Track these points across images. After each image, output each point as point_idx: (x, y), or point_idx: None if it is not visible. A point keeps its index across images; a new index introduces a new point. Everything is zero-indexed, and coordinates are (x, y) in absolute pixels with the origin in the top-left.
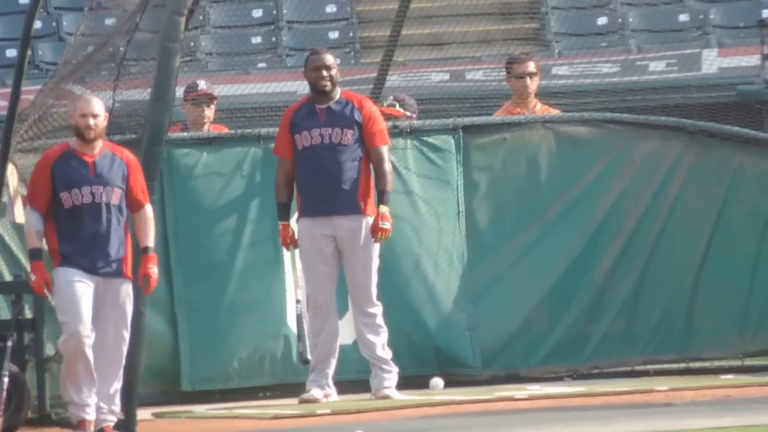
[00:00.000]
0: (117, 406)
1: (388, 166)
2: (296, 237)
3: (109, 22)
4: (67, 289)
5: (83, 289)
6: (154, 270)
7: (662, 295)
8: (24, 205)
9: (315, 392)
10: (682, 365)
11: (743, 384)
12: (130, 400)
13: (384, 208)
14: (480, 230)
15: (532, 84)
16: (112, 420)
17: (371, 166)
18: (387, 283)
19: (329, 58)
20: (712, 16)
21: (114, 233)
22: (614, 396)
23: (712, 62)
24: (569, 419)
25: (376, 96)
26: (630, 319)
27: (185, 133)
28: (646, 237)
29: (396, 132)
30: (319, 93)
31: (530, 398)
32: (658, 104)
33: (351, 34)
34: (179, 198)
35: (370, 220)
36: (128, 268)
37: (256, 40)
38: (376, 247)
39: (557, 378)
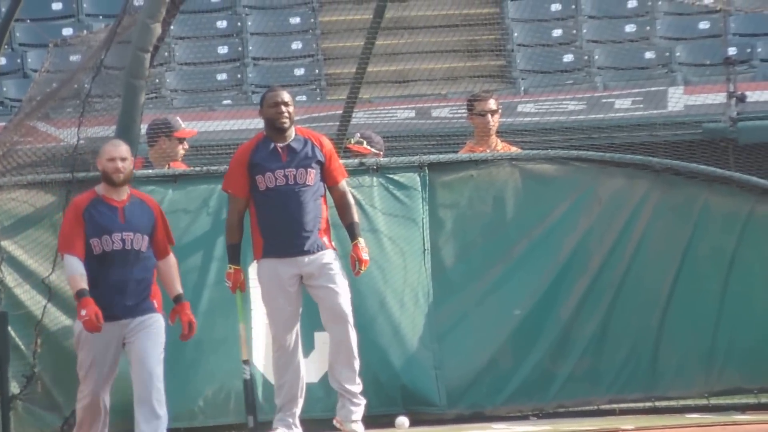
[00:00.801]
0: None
1: (351, 198)
2: (256, 277)
3: (74, 58)
4: (90, 348)
5: (104, 349)
6: (192, 317)
7: (628, 334)
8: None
9: (281, 431)
10: (648, 404)
11: (709, 423)
12: None
13: (361, 240)
14: (446, 268)
15: (494, 122)
16: None
17: (327, 202)
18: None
19: (286, 95)
20: (678, 54)
21: (141, 279)
22: None
23: (678, 100)
24: None
25: (342, 133)
26: (596, 358)
27: (150, 170)
28: (612, 275)
29: (362, 169)
30: (277, 130)
31: None
32: (623, 142)
33: (316, 71)
34: None
35: (332, 252)
36: (159, 305)
37: (222, 76)
38: (345, 277)
39: (523, 417)
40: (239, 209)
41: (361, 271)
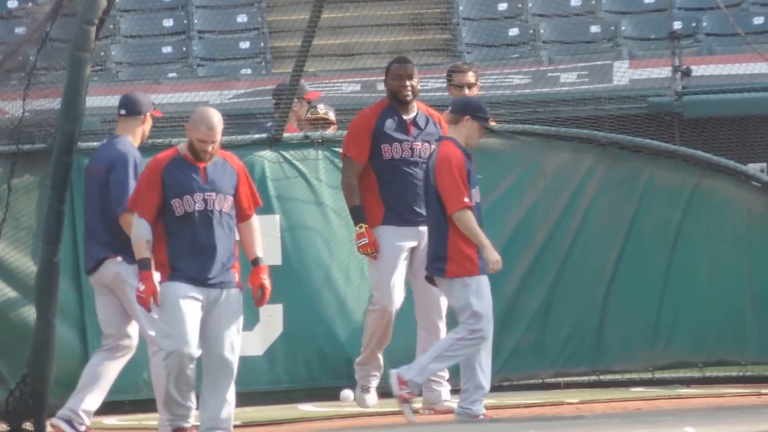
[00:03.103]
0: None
1: None
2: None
3: (19, 30)
4: (174, 306)
5: (191, 307)
6: (268, 281)
7: (573, 308)
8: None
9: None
10: (593, 378)
11: (653, 396)
12: (40, 411)
13: None
14: None
15: (471, 94)
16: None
17: None
18: (297, 294)
19: (412, 68)
20: (623, 28)
21: (225, 241)
22: (524, 408)
23: (623, 74)
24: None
25: (288, 106)
26: (540, 332)
27: (96, 143)
28: (557, 249)
29: (307, 143)
30: (400, 102)
31: (444, 411)
32: (569, 116)
33: (262, 44)
34: None
35: None
36: (238, 278)
37: (167, 49)
38: None
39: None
40: (358, 172)
41: None
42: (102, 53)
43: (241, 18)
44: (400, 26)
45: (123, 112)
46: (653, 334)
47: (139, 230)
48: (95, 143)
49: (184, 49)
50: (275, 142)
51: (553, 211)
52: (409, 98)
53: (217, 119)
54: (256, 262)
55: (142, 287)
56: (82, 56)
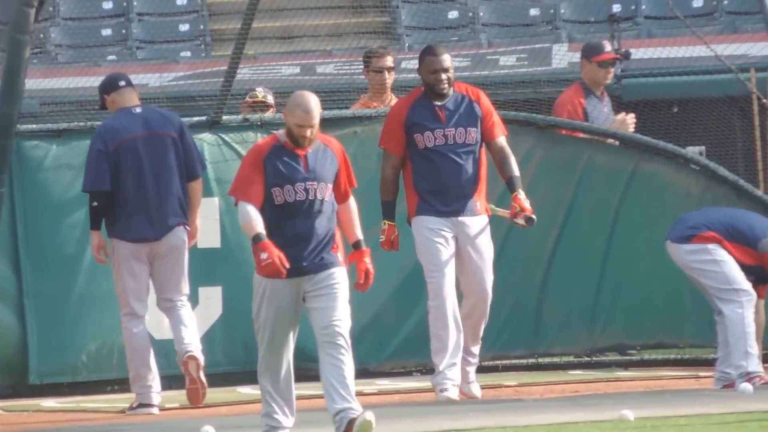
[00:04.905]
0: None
1: (510, 153)
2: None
3: None
4: (269, 304)
5: (286, 305)
6: (371, 266)
7: (511, 291)
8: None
9: (451, 392)
10: (531, 361)
11: (591, 379)
12: None
13: (521, 192)
14: None
15: (389, 78)
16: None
17: (485, 162)
18: (237, 276)
19: (447, 60)
20: (562, 11)
21: (324, 229)
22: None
23: (562, 57)
24: (418, 414)
25: (227, 89)
26: None
27: (35, 125)
28: (496, 232)
29: (246, 126)
30: (436, 94)
31: (379, 393)
32: (508, 99)
33: (201, 26)
34: (28, 190)
35: (485, 218)
36: (343, 258)
37: (107, 32)
38: (492, 246)
39: (406, 373)
40: (394, 165)
41: (522, 222)
42: (41, 35)
43: (181, 1)
44: (339, 9)
45: (123, 83)
46: (591, 317)
47: (249, 213)
48: (34, 126)
49: (124, 31)
50: (214, 125)
51: (491, 194)
52: (445, 91)
53: (314, 103)
54: (357, 245)
55: (264, 255)
56: (22, 38)
